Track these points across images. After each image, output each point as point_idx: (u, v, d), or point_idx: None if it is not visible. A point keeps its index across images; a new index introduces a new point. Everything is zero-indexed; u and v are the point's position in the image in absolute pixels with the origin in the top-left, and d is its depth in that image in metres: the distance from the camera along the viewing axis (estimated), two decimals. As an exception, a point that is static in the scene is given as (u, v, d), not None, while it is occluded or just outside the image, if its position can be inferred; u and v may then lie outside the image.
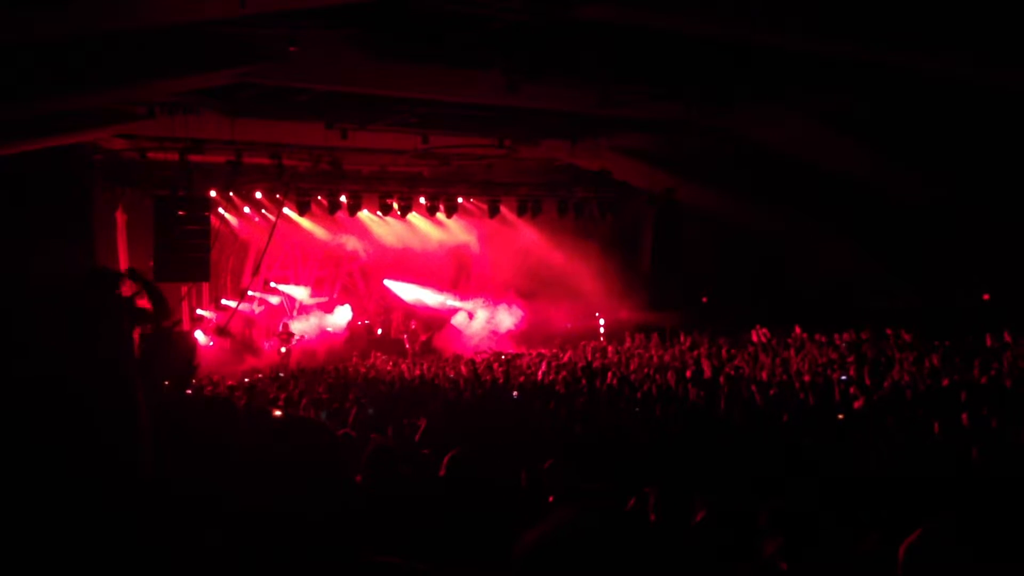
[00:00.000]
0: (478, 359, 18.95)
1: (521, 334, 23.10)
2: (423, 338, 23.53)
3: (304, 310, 23.39)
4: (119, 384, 2.26)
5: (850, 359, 13.29)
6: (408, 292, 24.47)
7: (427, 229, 23.58)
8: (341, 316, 23.50)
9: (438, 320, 24.19)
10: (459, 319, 23.91)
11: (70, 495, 2.05)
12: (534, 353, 19.65)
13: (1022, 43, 9.62)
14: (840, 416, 9.50)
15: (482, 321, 23.66)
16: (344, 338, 23.07)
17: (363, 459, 4.63)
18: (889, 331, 15.21)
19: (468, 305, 24.14)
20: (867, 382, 11.10)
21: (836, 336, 15.93)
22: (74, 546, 1.99)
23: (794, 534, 3.64)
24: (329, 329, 23.06)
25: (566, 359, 17.30)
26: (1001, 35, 9.57)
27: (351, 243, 23.29)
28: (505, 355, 19.59)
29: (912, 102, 12.98)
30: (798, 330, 16.14)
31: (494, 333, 23.26)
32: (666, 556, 1.51)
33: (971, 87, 12.01)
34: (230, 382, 16.28)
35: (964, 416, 8.46)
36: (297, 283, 23.65)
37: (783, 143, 15.62)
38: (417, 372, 17.21)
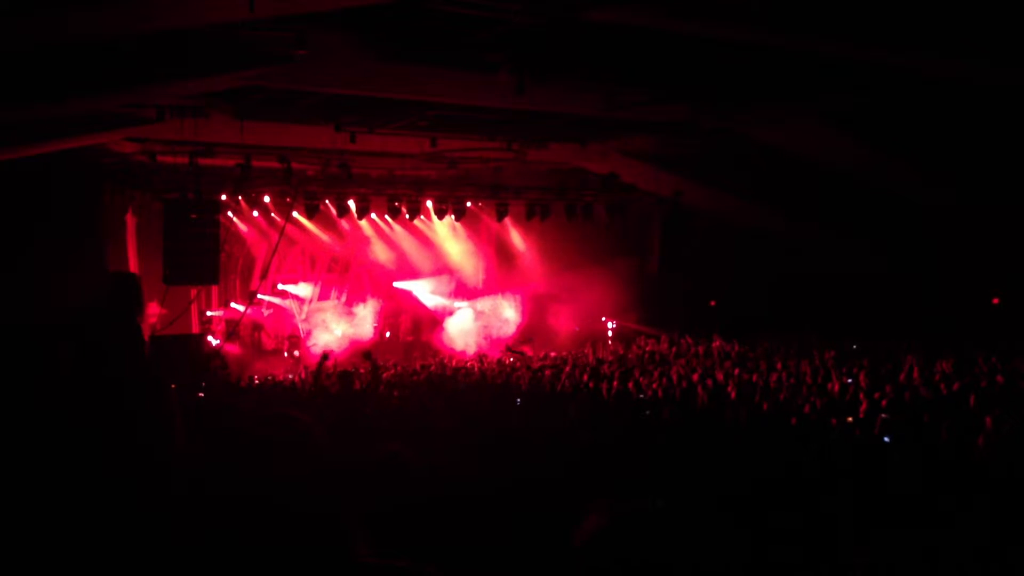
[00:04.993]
0: (484, 361, 18.99)
1: (528, 338, 23.12)
2: (427, 341, 23.59)
3: (313, 313, 23.43)
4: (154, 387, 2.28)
5: (858, 363, 13.26)
6: (416, 291, 24.51)
7: (435, 239, 23.76)
8: (367, 323, 23.41)
9: (444, 321, 24.24)
10: (463, 320, 23.92)
11: (103, 488, 2.07)
12: (541, 355, 19.68)
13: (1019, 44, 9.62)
14: (849, 419, 9.50)
15: (487, 321, 23.69)
16: (371, 343, 22.95)
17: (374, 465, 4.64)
18: (896, 335, 15.19)
19: (477, 305, 24.17)
20: (875, 387, 11.07)
21: (844, 340, 15.92)
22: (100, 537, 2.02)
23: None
24: (339, 333, 23.03)
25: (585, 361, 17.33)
26: (1001, 36, 9.56)
27: (359, 247, 23.37)
28: (514, 357, 19.60)
29: (914, 102, 12.95)
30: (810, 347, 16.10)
31: (492, 337, 23.27)
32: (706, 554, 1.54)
33: (972, 87, 12.00)
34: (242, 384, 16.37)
35: (973, 420, 8.44)
36: (306, 289, 23.70)
37: (787, 144, 15.61)
38: (422, 373, 17.21)
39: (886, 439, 8.36)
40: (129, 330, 3.12)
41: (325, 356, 13.14)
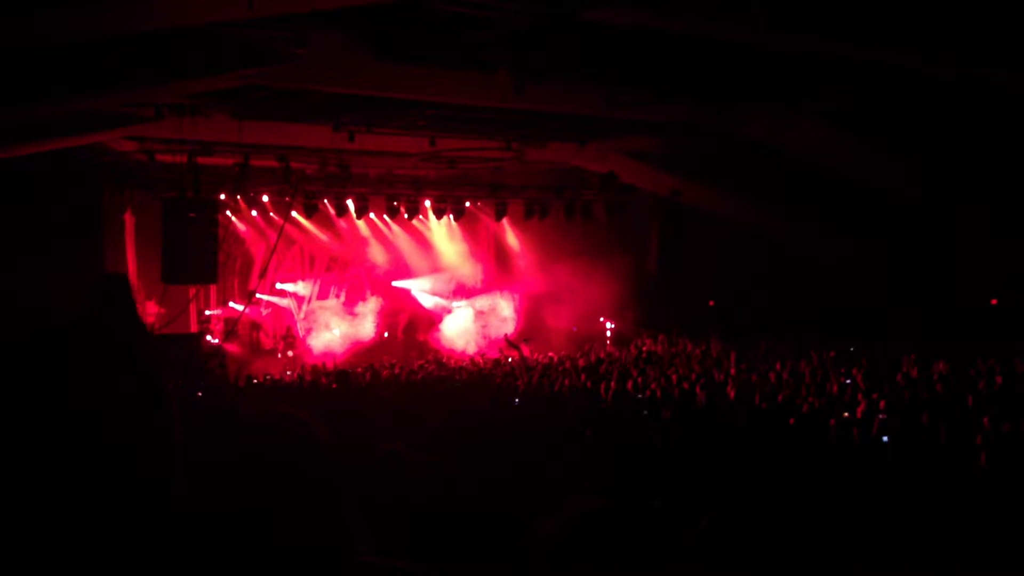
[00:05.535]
0: (482, 360, 19.00)
1: (526, 337, 23.11)
2: (425, 341, 23.58)
3: (312, 313, 23.40)
4: (151, 389, 2.28)
5: (856, 364, 13.26)
6: (415, 290, 24.49)
7: (433, 239, 23.76)
8: (367, 322, 23.33)
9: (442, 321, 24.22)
10: (461, 320, 23.90)
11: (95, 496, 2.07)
12: (540, 356, 19.67)
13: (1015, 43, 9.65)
14: (846, 415, 9.51)
15: (485, 321, 23.70)
16: (371, 343, 22.82)
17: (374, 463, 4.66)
18: (895, 335, 15.17)
19: (475, 304, 24.15)
20: (873, 387, 11.08)
21: (843, 341, 15.91)
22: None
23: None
24: (338, 333, 22.97)
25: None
26: (996, 35, 9.58)
27: (358, 246, 23.37)
28: (509, 353, 19.61)
29: (914, 102, 12.95)
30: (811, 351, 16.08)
31: (490, 336, 23.26)
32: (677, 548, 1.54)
33: (972, 87, 12.00)
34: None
35: (971, 421, 8.44)
36: (304, 287, 23.67)
37: (786, 144, 15.60)
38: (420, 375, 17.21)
39: (884, 439, 8.36)
40: (123, 330, 3.10)
41: (316, 366, 13.17)
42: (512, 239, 24.12)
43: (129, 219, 18.38)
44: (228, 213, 20.01)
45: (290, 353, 21.95)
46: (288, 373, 19.50)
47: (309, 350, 21.86)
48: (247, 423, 2.11)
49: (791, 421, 9.55)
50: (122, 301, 3.18)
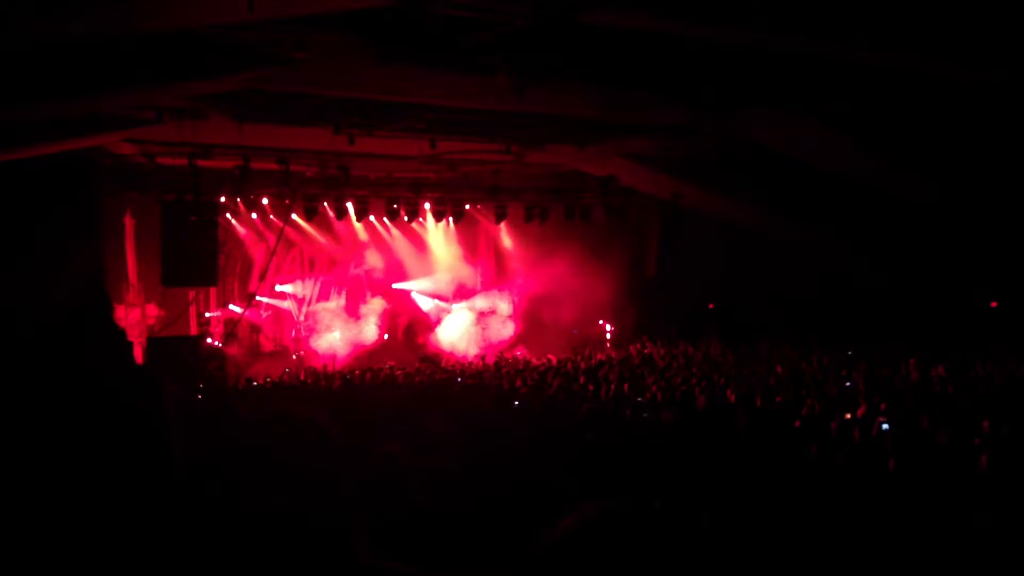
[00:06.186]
0: (481, 363, 18.99)
1: (524, 340, 23.09)
2: (424, 343, 23.54)
3: (313, 314, 23.36)
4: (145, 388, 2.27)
5: (856, 367, 13.26)
6: (414, 292, 24.44)
7: (432, 243, 23.74)
8: (370, 324, 23.27)
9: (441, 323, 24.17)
10: (460, 322, 23.86)
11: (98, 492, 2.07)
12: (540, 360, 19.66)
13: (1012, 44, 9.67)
14: (847, 416, 9.50)
15: (484, 323, 23.67)
16: (373, 347, 22.74)
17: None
18: (895, 337, 15.17)
19: (475, 304, 24.11)
20: (873, 390, 11.07)
21: (843, 343, 15.91)
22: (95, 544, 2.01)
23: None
24: (339, 336, 22.92)
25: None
26: (996, 35, 9.60)
27: (358, 248, 23.33)
28: (510, 360, 19.59)
29: (915, 104, 12.95)
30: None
31: (490, 339, 23.23)
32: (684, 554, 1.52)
33: (974, 89, 12.00)
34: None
35: (971, 423, 8.43)
36: (303, 288, 23.63)
37: (787, 146, 15.60)
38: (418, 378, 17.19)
39: (884, 439, 8.36)
40: (109, 327, 3.10)
41: (315, 368, 13.12)
42: (509, 241, 24.08)
43: (129, 221, 18.37)
44: (228, 216, 20.00)
45: (301, 354, 21.96)
46: (287, 371, 19.50)
47: (312, 352, 21.83)
48: (252, 424, 2.10)
49: (797, 424, 9.55)
50: (100, 300, 3.17)
